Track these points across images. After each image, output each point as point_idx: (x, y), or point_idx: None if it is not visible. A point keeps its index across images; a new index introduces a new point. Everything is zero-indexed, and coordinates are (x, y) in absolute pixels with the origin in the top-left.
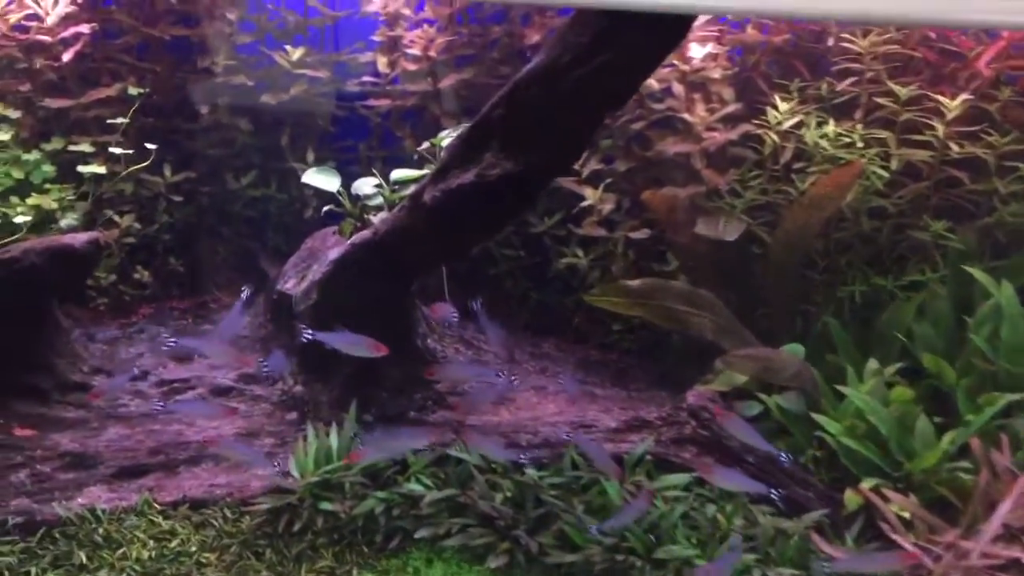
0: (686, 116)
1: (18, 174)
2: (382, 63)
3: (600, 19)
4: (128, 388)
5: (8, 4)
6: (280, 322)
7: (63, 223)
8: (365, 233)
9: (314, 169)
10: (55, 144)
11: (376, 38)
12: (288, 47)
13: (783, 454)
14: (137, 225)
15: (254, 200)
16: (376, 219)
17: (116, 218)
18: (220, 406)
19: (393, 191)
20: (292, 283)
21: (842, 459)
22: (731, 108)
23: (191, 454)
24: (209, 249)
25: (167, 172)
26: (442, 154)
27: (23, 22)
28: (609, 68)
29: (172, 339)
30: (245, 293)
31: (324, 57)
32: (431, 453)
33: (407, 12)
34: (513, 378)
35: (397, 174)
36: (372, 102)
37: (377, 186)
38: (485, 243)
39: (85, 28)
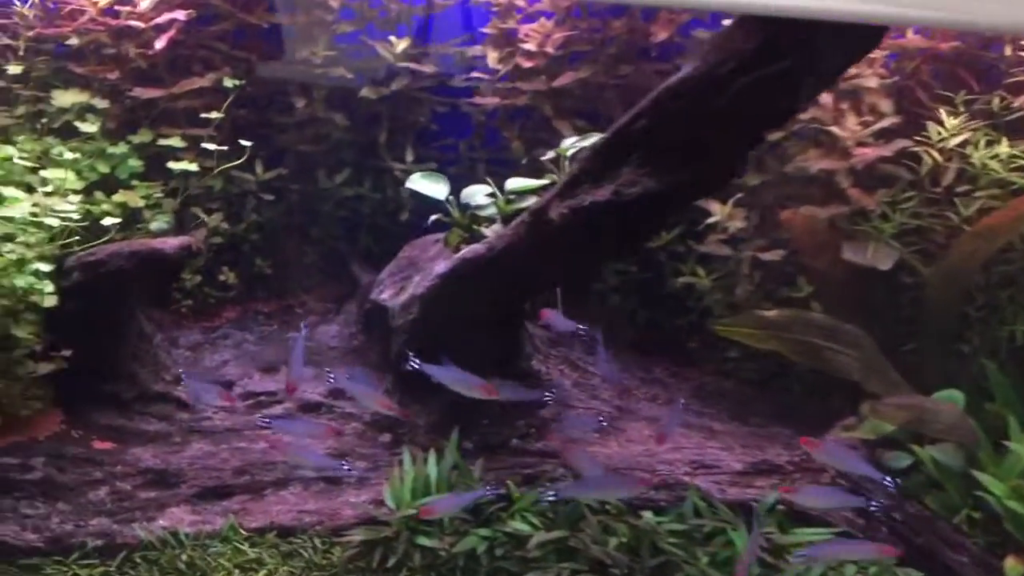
0: (834, 129)
1: (104, 168)
2: (493, 58)
3: (772, 24)
4: (212, 400)
5: None
6: (373, 334)
7: (153, 226)
8: (477, 247)
9: (419, 174)
10: (143, 137)
11: (486, 31)
12: (392, 38)
13: (888, 478)
14: (224, 224)
15: (346, 200)
16: (489, 232)
17: (203, 216)
18: (323, 425)
19: (508, 201)
20: (389, 294)
21: (1005, 523)
22: (888, 121)
23: (278, 476)
24: (296, 251)
25: (258, 169)
26: (570, 166)
27: (114, 6)
28: (778, 79)
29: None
30: (305, 329)
31: (428, 49)
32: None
33: (521, 3)
34: (601, 419)
35: (513, 183)
36: (479, 99)
37: (490, 195)
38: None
39: (181, 14)
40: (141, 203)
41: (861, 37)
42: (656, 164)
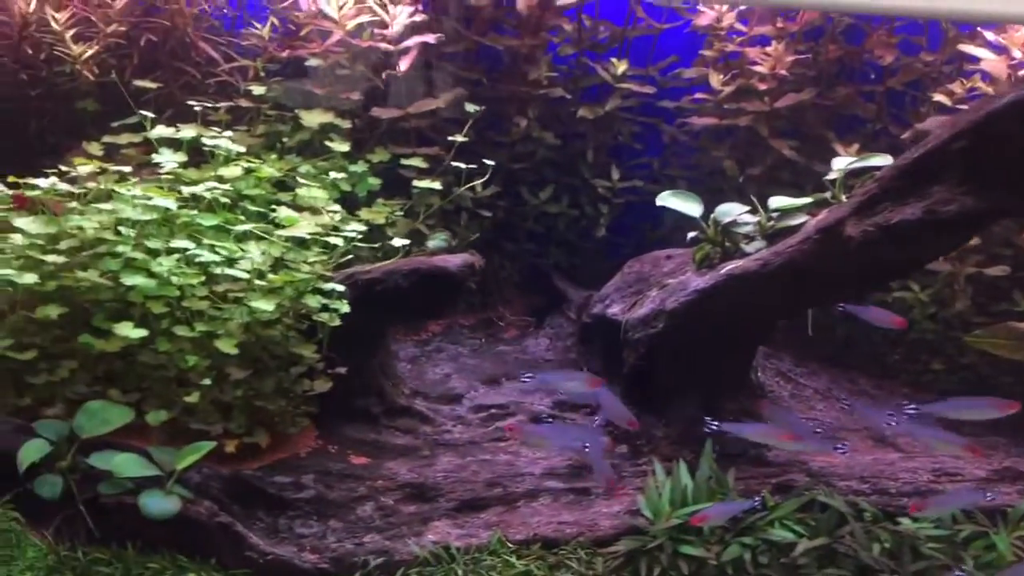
0: None
1: (345, 187)
2: (716, 80)
3: None
4: (449, 413)
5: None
6: (592, 347)
7: (431, 244)
8: (747, 264)
9: (669, 192)
10: (380, 155)
11: (708, 54)
12: (613, 60)
13: None
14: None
15: (545, 216)
16: (750, 249)
17: (425, 230)
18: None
19: (770, 220)
20: (618, 308)
21: None
22: None
23: (528, 487)
24: (497, 265)
25: (478, 186)
26: (865, 185)
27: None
28: None
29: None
30: (602, 393)
31: (642, 71)
32: (796, 497)
33: (741, 27)
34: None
35: (777, 202)
36: (696, 120)
37: (748, 213)
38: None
39: (430, 37)
40: (382, 221)
41: None
42: (977, 183)
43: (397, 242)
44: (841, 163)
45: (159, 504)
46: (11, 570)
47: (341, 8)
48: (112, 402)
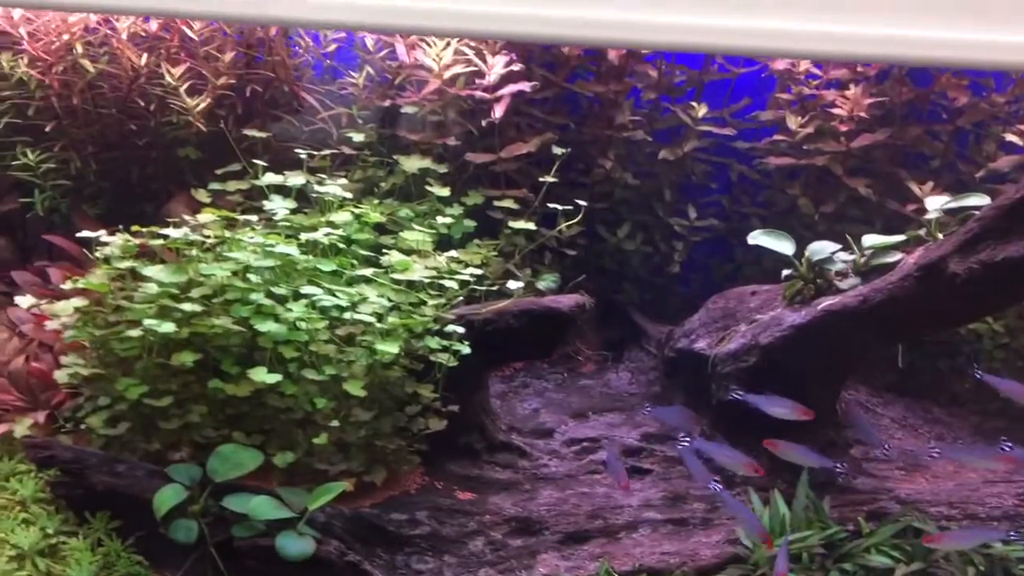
0: None
1: (443, 229)
2: (793, 122)
3: None
4: (543, 448)
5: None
6: (677, 380)
7: (541, 284)
8: (846, 300)
9: (761, 231)
10: (474, 199)
11: (784, 97)
12: (693, 103)
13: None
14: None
15: (619, 253)
16: (844, 285)
17: (514, 270)
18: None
19: (863, 257)
20: (705, 343)
21: None
22: None
23: (628, 519)
24: None
25: (562, 226)
26: (966, 224)
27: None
28: None
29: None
30: (695, 438)
31: (717, 113)
32: (892, 523)
33: (816, 71)
34: (935, 450)
35: (871, 240)
36: (774, 160)
37: (839, 251)
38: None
39: (526, 86)
40: (478, 261)
41: None
42: None
43: (512, 284)
44: (936, 202)
45: (296, 545)
46: None
47: (440, 60)
48: (242, 446)
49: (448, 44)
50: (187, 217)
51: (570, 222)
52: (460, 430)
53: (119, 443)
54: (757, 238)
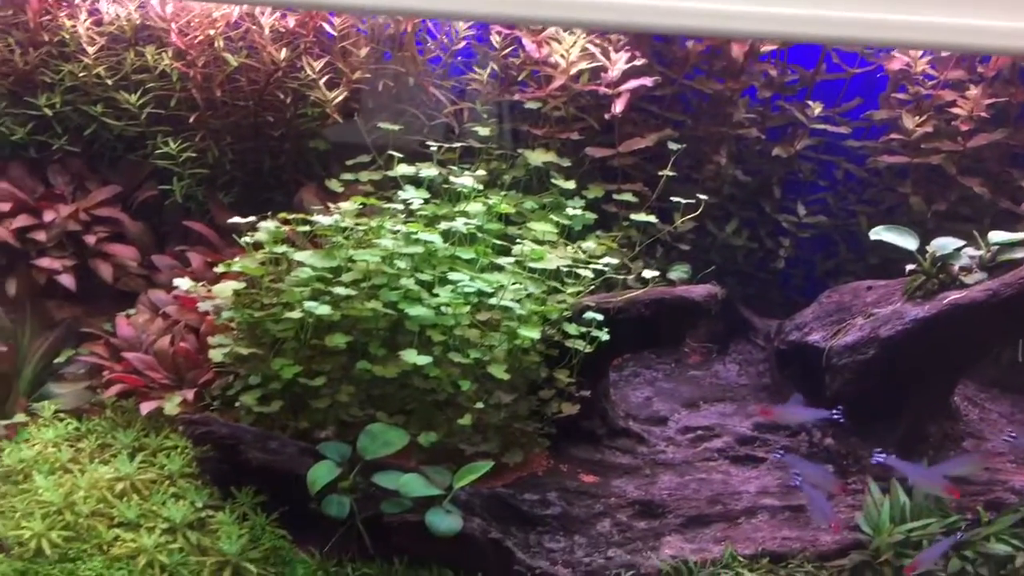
0: None
1: (566, 221)
2: (910, 121)
3: None
4: (659, 435)
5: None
6: (788, 372)
7: (673, 275)
8: (973, 294)
9: (883, 227)
10: (595, 192)
11: (900, 96)
12: (809, 102)
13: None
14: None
15: (725, 248)
16: (970, 280)
17: (627, 262)
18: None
19: (989, 253)
20: (819, 336)
21: None
22: None
23: (746, 505)
24: None
25: (680, 220)
26: None
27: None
28: None
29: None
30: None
31: (828, 112)
32: (1012, 512)
33: (931, 72)
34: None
35: (997, 236)
36: (887, 158)
37: (961, 248)
38: None
39: (649, 81)
40: (599, 253)
41: None
42: None
43: (648, 274)
44: None
45: (444, 522)
46: None
47: (568, 56)
48: (389, 425)
49: (575, 41)
50: (330, 205)
51: (687, 216)
52: (584, 415)
53: (268, 421)
54: (880, 233)
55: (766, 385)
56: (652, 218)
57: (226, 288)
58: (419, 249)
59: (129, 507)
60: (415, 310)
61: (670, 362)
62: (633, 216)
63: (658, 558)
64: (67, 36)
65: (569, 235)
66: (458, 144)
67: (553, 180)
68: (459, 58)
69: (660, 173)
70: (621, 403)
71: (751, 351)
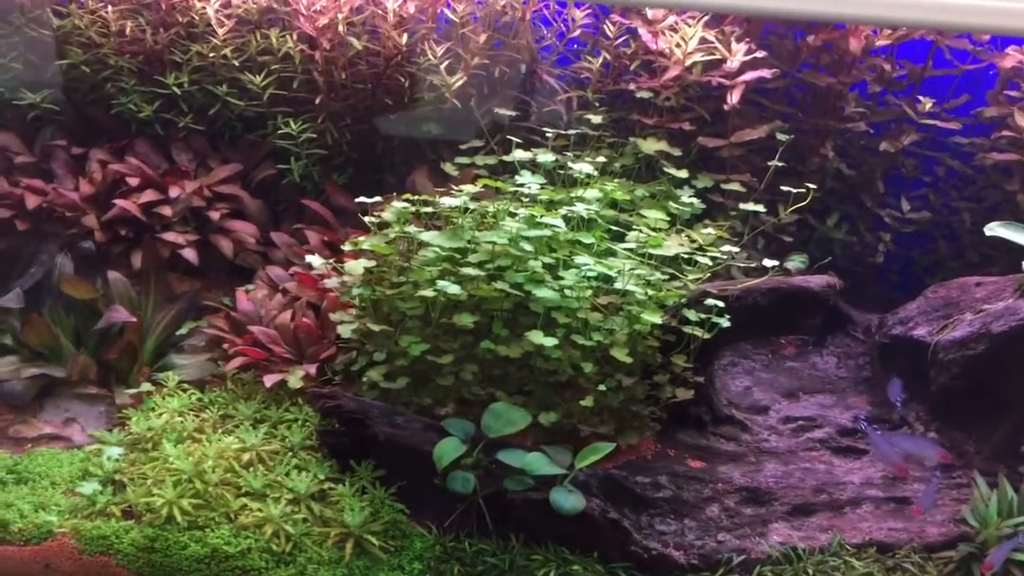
0: None
1: (674, 210)
2: (1022, 119)
3: None
4: (762, 423)
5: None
6: (890, 365)
7: (790, 264)
8: None
9: (998, 223)
10: (704, 181)
11: (1012, 94)
12: (921, 97)
13: None
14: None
15: (827, 240)
16: None
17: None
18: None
19: None
20: (925, 331)
21: None
22: None
23: (851, 495)
24: None
25: (786, 212)
26: None
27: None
28: None
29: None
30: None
31: (938, 108)
32: None
33: None
34: None
35: None
36: (997, 155)
37: None
38: None
39: (767, 73)
40: (709, 241)
41: None
42: None
43: (768, 262)
44: None
45: (568, 500)
46: (401, 559)
47: (685, 47)
48: (511, 405)
49: (695, 32)
50: (452, 188)
51: (795, 206)
52: (692, 401)
53: (392, 396)
54: (995, 229)
55: (866, 378)
56: (760, 207)
57: (357, 266)
58: (546, 232)
59: (255, 477)
60: (542, 292)
61: (766, 353)
62: (742, 206)
63: (767, 544)
64: (196, 17)
65: (675, 223)
66: (573, 132)
67: (665, 168)
68: (575, 46)
69: (768, 164)
70: (724, 392)
71: (850, 344)
